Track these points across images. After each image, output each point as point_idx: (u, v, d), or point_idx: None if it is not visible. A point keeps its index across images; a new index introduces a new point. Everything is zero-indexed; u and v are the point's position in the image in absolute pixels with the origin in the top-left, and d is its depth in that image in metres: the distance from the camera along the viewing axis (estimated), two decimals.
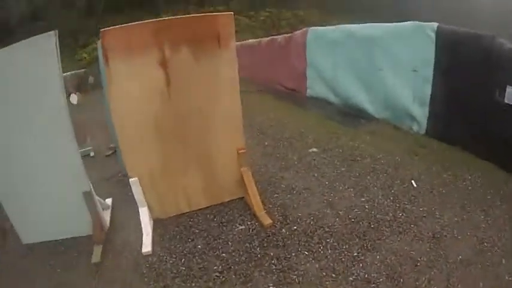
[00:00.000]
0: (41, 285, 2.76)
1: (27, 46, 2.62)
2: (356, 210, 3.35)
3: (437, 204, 3.31)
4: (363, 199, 3.53)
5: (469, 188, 3.54)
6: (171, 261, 2.88)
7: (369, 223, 3.13)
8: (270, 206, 3.53)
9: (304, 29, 7.90)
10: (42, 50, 2.60)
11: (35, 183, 2.91)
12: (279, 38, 9.16)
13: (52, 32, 2.60)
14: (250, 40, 11.92)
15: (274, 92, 8.92)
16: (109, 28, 2.74)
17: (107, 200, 3.82)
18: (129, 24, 2.82)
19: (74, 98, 9.26)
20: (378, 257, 2.70)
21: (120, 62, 2.76)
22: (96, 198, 3.22)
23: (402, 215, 3.21)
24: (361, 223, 3.14)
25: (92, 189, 3.12)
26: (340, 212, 3.34)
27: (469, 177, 3.69)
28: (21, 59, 2.62)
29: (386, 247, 2.80)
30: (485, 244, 2.71)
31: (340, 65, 6.69)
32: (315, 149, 4.90)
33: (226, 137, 3.34)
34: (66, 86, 2.97)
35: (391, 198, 3.50)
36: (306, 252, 2.84)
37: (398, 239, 2.88)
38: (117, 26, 2.78)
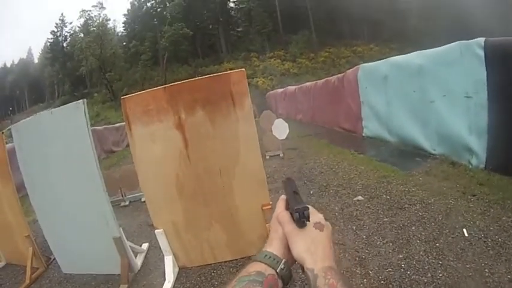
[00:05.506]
0: None
1: (62, 112, 3.15)
2: (389, 269, 2.97)
3: (488, 258, 2.74)
4: (401, 256, 3.12)
5: None
6: None
7: (400, 286, 2.74)
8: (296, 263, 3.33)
9: (355, 67, 7.76)
10: (74, 115, 3.01)
11: (74, 226, 3.30)
12: (333, 78, 9.13)
13: (81, 101, 3.03)
14: (306, 83, 12.07)
15: (330, 135, 8.75)
16: (128, 96, 3.04)
17: (143, 244, 4.14)
18: (146, 90, 3.09)
19: None
20: None
21: (141, 126, 3.00)
22: (127, 243, 3.44)
23: (443, 274, 2.73)
24: (391, 285, 2.77)
25: (123, 235, 3.34)
26: (371, 272, 3.00)
27: None
28: (57, 122, 3.11)
29: None
30: None
31: (392, 100, 6.34)
32: (360, 198, 4.57)
33: (249, 194, 3.24)
34: None
35: (435, 253, 3.03)
36: None
37: None
38: (135, 93, 3.09)
